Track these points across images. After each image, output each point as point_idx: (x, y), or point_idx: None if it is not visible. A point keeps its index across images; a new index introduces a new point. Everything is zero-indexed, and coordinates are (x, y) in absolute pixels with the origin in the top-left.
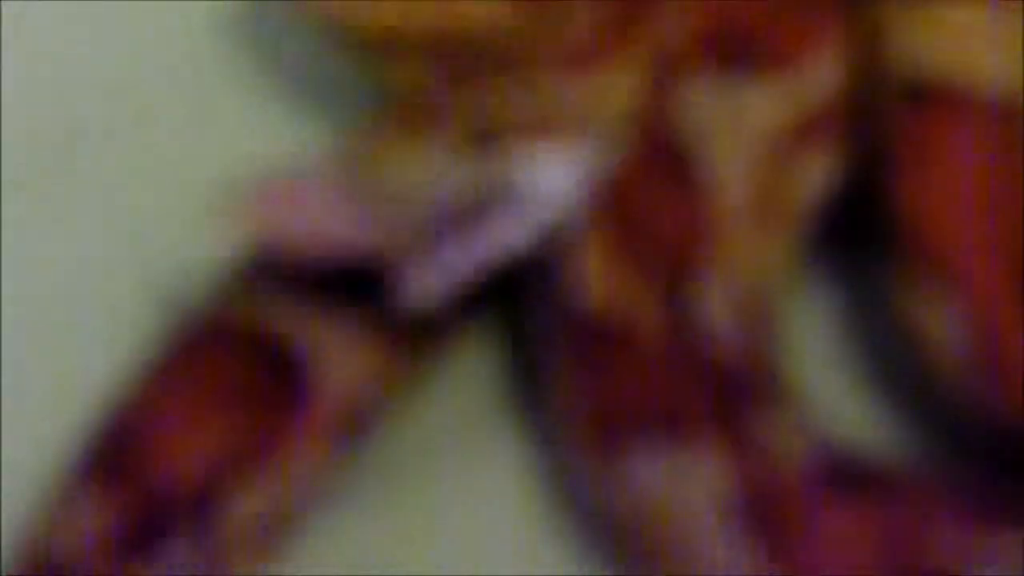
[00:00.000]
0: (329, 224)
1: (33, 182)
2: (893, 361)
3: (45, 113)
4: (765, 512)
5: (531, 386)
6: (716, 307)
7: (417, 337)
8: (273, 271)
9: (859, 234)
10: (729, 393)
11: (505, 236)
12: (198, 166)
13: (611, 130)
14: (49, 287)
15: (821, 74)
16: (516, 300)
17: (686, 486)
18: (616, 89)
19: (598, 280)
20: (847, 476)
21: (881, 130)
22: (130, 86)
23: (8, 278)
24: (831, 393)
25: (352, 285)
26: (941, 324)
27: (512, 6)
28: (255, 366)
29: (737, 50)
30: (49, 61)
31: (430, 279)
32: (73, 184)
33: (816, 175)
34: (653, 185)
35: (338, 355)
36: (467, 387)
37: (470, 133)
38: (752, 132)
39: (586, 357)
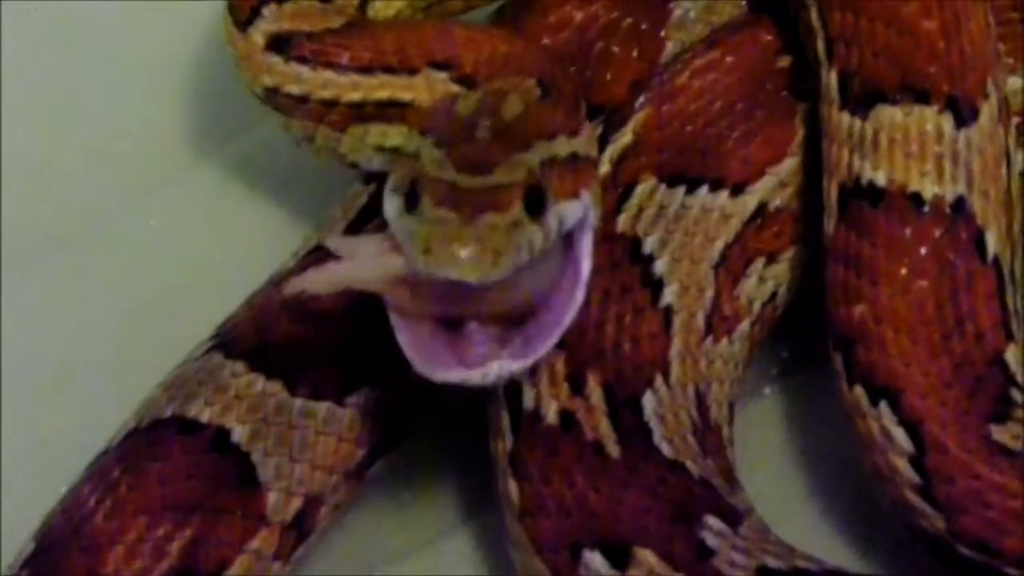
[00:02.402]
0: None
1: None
2: (842, 469)
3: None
4: None
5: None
6: (669, 416)
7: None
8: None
9: (810, 341)
10: (682, 506)
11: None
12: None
13: None
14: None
15: (775, 184)
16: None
17: None
18: None
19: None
20: None
21: (826, 234)
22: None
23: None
24: (780, 500)
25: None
26: (884, 431)
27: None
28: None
29: (690, 163)
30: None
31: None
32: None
33: (769, 282)
34: (605, 291)
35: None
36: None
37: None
38: (705, 240)
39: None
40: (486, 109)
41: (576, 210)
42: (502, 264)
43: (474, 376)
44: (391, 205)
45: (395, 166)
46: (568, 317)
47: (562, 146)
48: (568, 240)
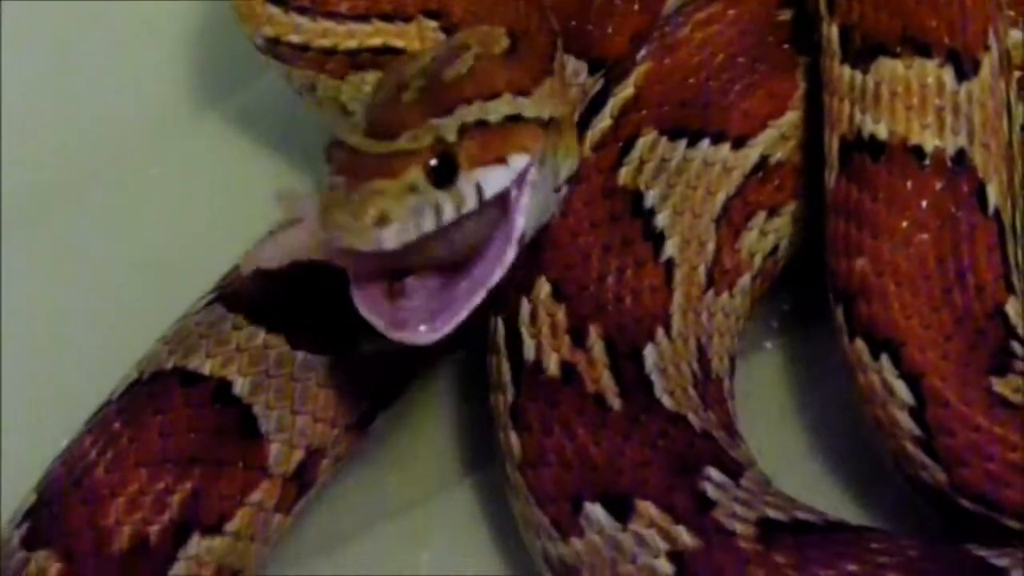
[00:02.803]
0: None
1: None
2: (843, 422)
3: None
4: None
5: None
6: (670, 369)
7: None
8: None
9: (811, 295)
10: (683, 458)
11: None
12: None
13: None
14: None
15: (777, 137)
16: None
17: (636, 552)
18: None
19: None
20: (795, 542)
21: (827, 188)
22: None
23: None
24: (781, 453)
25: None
26: (885, 385)
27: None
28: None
29: (692, 116)
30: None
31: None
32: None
33: (770, 236)
34: (606, 245)
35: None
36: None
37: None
38: (706, 194)
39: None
40: (430, 68)
41: (499, 176)
42: (395, 228)
43: (407, 337)
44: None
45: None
46: (496, 275)
47: (501, 107)
48: (505, 200)
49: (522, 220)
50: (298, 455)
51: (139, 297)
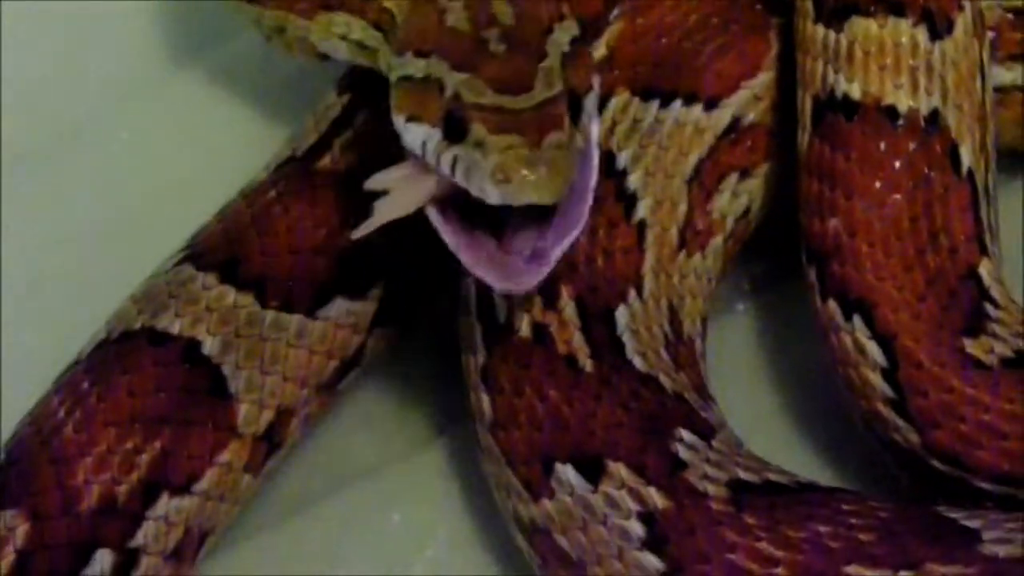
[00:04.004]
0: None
1: None
2: (815, 384)
3: None
4: (680, 541)
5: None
6: (642, 330)
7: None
8: None
9: (783, 257)
10: (654, 420)
11: None
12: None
13: None
14: None
15: (750, 98)
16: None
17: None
18: None
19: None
20: (766, 504)
21: (800, 148)
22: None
23: None
24: (753, 415)
25: None
26: (857, 345)
27: None
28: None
29: (664, 77)
30: None
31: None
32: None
33: (742, 198)
34: None
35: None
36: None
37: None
38: (679, 155)
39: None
40: (482, 17)
41: (594, 100)
42: (570, 180)
43: (521, 287)
44: (420, 136)
45: (397, 94)
46: (589, 200)
47: (563, 37)
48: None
49: (597, 123)
50: (267, 415)
51: (110, 255)
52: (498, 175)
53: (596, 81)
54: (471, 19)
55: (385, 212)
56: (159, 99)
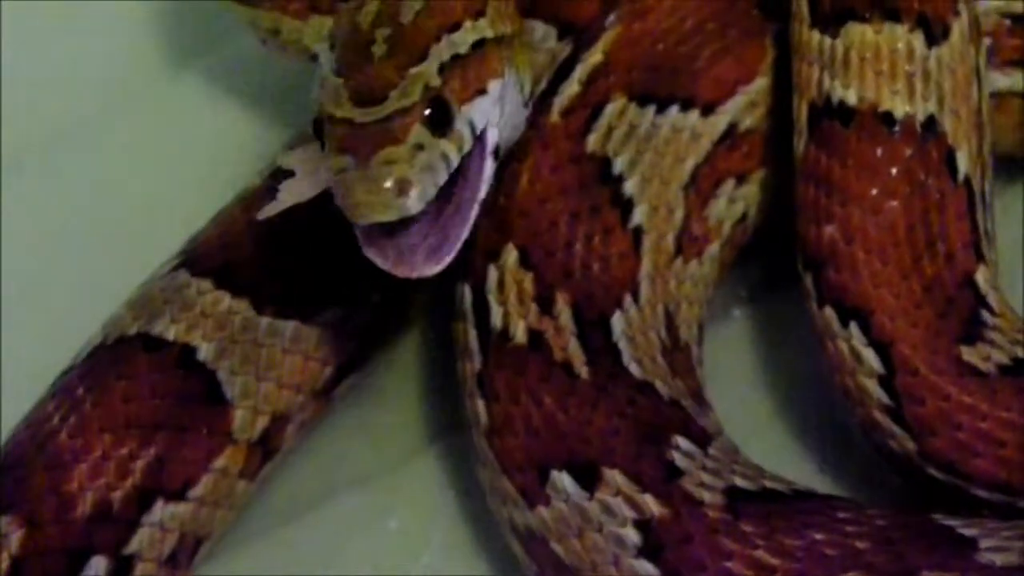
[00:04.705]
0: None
1: None
2: (812, 391)
3: None
4: (676, 548)
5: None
6: (638, 337)
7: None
8: None
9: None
10: (651, 426)
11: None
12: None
13: None
14: None
15: (746, 104)
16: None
17: (603, 520)
18: None
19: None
20: (763, 511)
21: (797, 154)
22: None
23: None
24: (749, 421)
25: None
26: (854, 353)
27: None
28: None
29: (661, 82)
30: None
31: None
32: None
33: (739, 203)
34: (574, 212)
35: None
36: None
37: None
38: (675, 160)
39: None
40: (386, 13)
41: (485, 106)
42: (416, 192)
43: (413, 271)
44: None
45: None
46: (481, 191)
47: (467, 35)
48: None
49: (495, 132)
50: (263, 421)
51: (106, 260)
52: (338, 196)
53: (495, 85)
54: (377, 15)
55: (289, 195)
56: (157, 102)
